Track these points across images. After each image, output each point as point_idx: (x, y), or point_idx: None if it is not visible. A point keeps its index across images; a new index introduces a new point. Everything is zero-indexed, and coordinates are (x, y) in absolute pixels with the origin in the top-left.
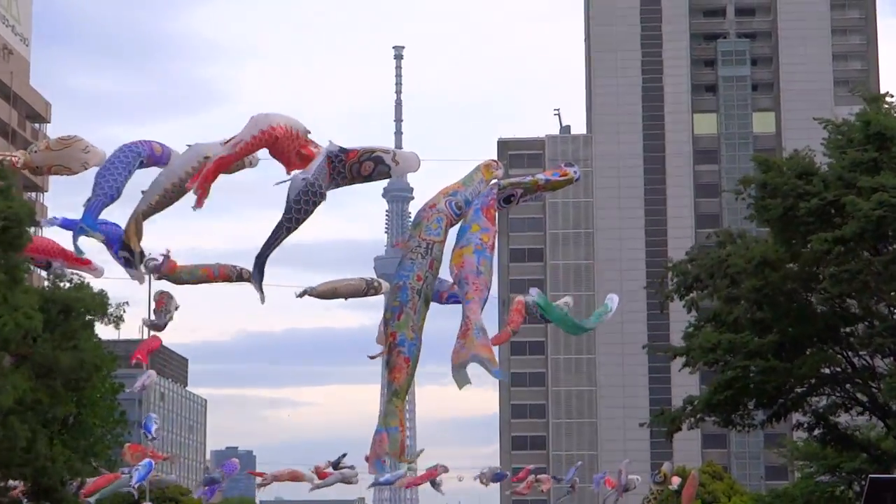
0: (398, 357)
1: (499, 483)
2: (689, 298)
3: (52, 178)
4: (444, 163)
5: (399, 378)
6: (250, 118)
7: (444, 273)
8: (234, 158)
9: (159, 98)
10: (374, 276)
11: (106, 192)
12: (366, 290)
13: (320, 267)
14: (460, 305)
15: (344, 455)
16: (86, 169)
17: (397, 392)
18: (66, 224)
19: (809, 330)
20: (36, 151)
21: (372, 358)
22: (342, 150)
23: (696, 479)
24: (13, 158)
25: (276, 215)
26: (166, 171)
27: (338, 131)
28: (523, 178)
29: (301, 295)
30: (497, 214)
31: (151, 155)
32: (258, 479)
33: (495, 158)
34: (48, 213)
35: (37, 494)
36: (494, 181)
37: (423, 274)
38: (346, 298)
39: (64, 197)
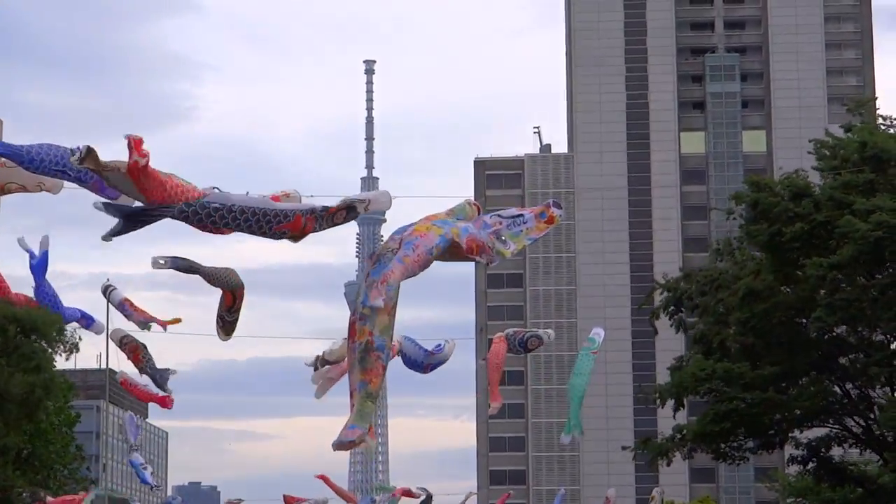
0: (376, 361)
1: None
2: (678, 318)
3: (8, 201)
4: (418, 185)
5: (375, 382)
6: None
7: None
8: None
9: (115, 114)
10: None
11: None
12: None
13: (287, 292)
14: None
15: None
16: (41, 190)
17: (371, 395)
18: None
19: (804, 360)
20: None
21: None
22: (324, 208)
23: None
24: None
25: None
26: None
27: (305, 151)
28: (506, 214)
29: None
30: (478, 246)
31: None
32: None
33: (474, 201)
34: None
35: None
36: (480, 217)
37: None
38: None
39: (15, 220)
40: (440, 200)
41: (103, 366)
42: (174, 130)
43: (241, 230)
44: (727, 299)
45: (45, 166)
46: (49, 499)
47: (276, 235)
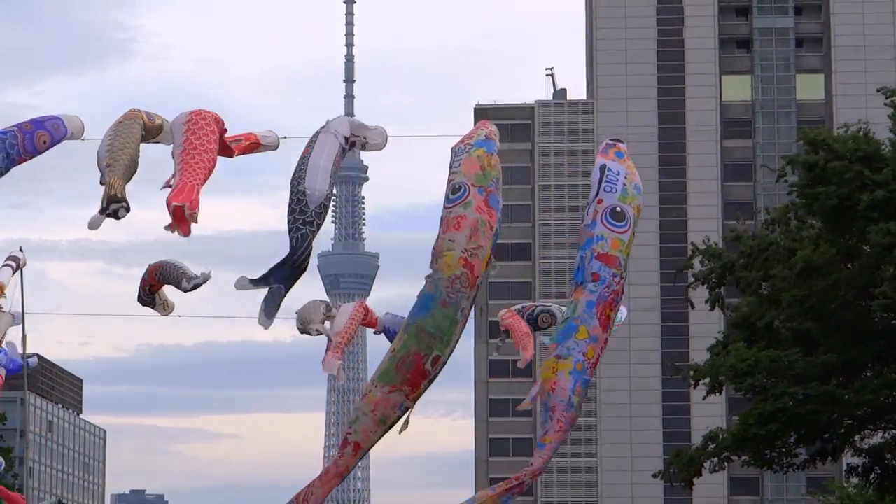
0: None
1: None
2: (716, 293)
3: None
4: (409, 136)
5: (413, 395)
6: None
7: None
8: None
9: (48, 50)
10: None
11: None
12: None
13: (245, 264)
14: None
15: None
16: None
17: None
18: None
19: (866, 349)
20: None
21: None
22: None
23: None
24: None
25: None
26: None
27: (274, 95)
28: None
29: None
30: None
31: (26, 147)
32: None
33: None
34: None
35: None
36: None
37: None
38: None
39: None
40: (434, 139)
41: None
42: (104, 69)
43: None
44: (780, 273)
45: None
46: None
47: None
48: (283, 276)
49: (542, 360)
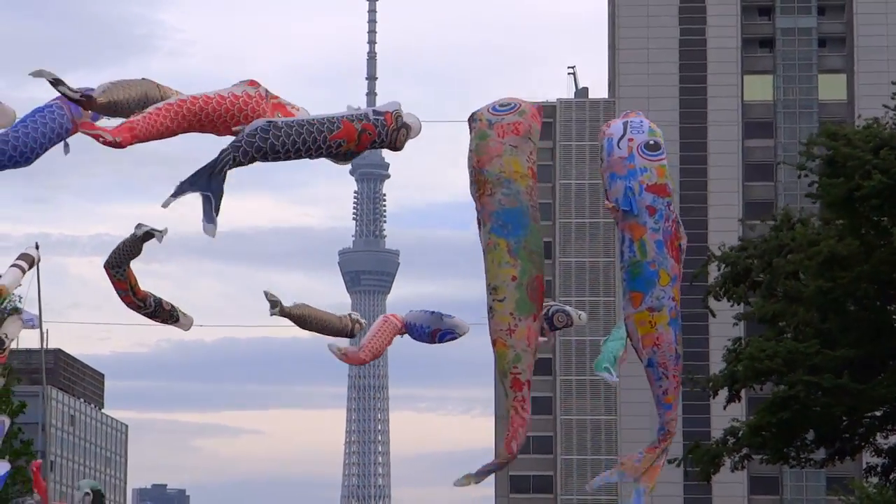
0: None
1: None
2: (736, 292)
3: None
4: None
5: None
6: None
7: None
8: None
9: (70, 45)
10: (351, 311)
11: (16, 149)
12: (340, 329)
13: (270, 261)
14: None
15: None
16: None
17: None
18: None
19: (884, 345)
20: None
21: None
22: (378, 113)
23: None
24: None
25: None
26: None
27: (297, 90)
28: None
29: (273, 311)
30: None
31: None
32: None
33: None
34: None
35: None
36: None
37: None
38: (314, 331)
39: None
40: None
41: (48, 346)
42: (124, 64)
43: (299, 153)
44: (803, 263)
45: (40, 148)
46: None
47: (332, 149)
48: (203, 185)
49: (624, 311)
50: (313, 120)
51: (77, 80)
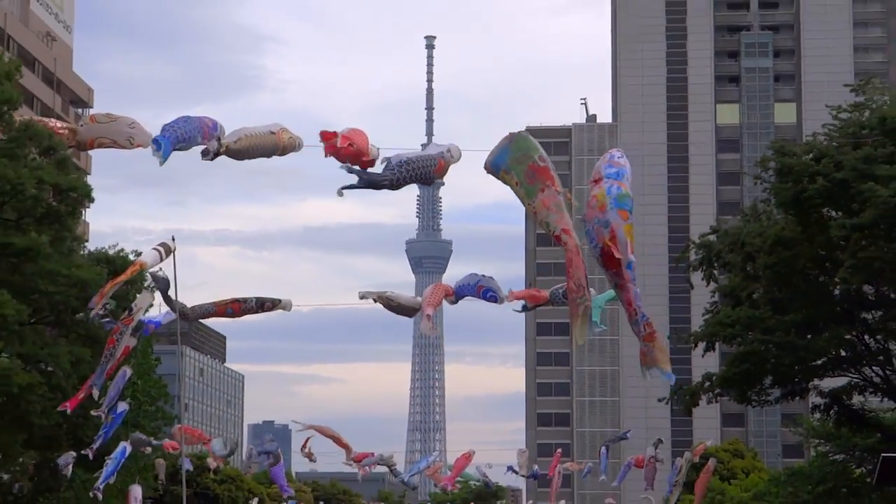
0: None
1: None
2: (708, 272)
3: (95, 160)
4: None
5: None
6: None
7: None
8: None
9: (194, 85)
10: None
11: (182, 130)
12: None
13: (353, 249)
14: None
15: None
16: (131, 146)
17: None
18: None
19: (825, 312)
20: (82, 125)
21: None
22: (448, 150)
23: (710, 469)
24: (63, 130)
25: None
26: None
27: (369, 120)
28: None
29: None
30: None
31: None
32: (298, 426)
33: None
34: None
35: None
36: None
37: None
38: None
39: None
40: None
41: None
42: (238, 99)
43: (415, 181)
44: (755, 243)
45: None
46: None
47: (431, 179)
48: (362, 186)
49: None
50: (423, 157)
51: (203, 112)
